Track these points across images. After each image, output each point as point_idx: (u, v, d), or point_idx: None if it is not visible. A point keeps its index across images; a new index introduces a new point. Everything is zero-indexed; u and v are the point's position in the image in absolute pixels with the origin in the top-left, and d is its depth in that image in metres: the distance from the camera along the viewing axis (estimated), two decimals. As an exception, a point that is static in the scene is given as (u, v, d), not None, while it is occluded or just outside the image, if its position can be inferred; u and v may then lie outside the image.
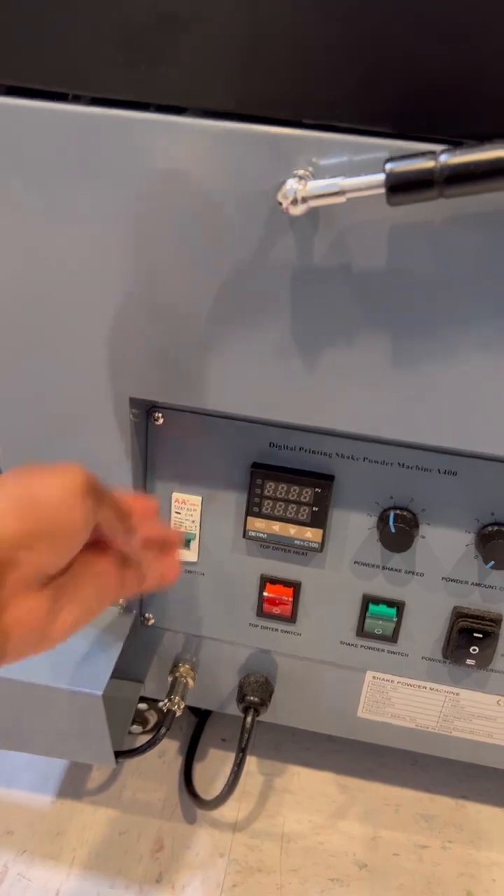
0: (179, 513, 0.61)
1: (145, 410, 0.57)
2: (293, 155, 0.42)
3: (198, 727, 0.81)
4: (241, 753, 0.65)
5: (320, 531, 0.58)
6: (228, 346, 0.49)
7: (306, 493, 0.57)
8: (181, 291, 0.48)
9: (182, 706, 0.68)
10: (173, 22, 0.40)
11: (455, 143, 0.39)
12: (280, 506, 0.57)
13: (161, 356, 0.51)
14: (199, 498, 0.60)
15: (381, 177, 0.39)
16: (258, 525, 0.59)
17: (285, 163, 0.42)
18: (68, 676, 0.59)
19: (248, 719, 0.66)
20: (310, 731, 0.72)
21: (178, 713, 0.68)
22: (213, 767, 0.78)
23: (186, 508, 0.60)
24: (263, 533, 0.59)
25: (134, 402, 0.54)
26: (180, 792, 0.75)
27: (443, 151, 0.38)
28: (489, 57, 0.38)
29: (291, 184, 0.40)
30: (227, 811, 0.73)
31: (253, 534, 0.59)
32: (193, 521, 0.61)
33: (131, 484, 0.57)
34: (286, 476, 0.57)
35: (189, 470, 0.59)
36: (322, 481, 0.56)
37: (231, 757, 0.66)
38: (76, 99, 0.45)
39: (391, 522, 0.56)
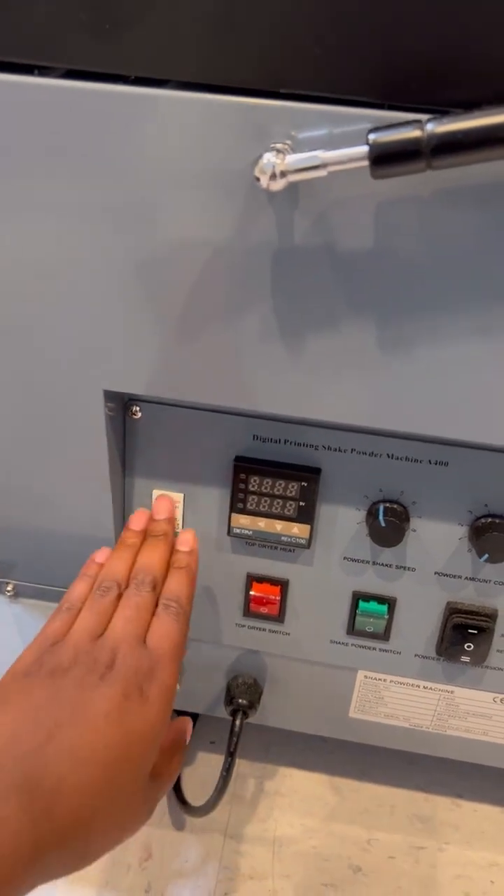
0: (160, 510, 0.58)
1: (121, 404, 0.55)
2: (270, 127, 0.39)
3: (185, 730, 0.79)
4: (230, 758, 0.63)
5: (307, 527, 0.56)
6: (207, 334, 0.47)
7: (292, 487, 0.55)
8: (154, 274, 0.45)
9: (168, 710, 0.66)
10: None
11: (442, 112, 0.36)
12: (265, 501, 0.55)
13: (136, 345, 0.48)
14: (181, 495, 0.58)
15: (364, 148, 0.36)
16: (243, 522, 0.57)
17: (262, 136, 0.40)
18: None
19: (237, 722, 0.64)
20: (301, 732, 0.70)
21: (164, 718, 0.66)
22: (202, 771, 0.75)
23: (167, 505, 0.58)
24: (248, 530, 0.57)
25: (109, 396, 0.52)
26: (168, 797, 0.72)
27: (430, 120, 0.36)
28: (478, 19, 0.36)
29: (269, 157, 0.38)
30: (217, 816, 0.71)
31: (238, 531, 0.57)
32: (175, 520, 0.59)
33: (109, 482, 0.55)
34: (271, 470, 0.54)
35: (169, 466, 0.57)
36: (308, 475, 0.54)
37: (220, 760, 0.64)
38: (43, 72, 0.42)
39: (381, 516, 0.54)
